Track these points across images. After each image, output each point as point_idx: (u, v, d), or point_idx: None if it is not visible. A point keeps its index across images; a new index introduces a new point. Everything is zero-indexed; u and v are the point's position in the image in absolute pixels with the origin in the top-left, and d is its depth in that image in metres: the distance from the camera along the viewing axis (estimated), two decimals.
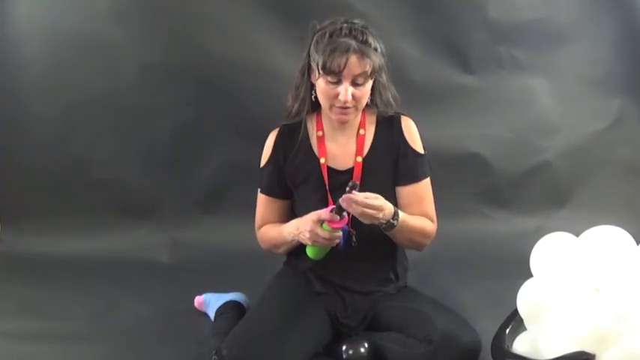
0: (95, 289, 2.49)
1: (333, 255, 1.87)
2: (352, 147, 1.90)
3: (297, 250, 1.91)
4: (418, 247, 1.90)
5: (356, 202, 1.67)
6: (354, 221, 1.81)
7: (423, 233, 1.87)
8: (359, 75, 1.75)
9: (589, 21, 2.90)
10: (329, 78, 1.76)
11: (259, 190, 1.99)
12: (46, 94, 2.85)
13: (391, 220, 1.75)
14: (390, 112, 1.91)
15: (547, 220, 2.87)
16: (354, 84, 1.76)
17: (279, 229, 1.92)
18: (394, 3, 2.81)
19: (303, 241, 1.79)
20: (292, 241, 1.86)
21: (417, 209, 1.87)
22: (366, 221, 1.73)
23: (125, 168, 2.89)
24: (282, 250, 1.96)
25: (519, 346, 1.74)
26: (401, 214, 1.78)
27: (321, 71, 1.76)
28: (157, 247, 2.82)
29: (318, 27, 1.81)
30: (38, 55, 2.82)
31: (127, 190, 2.90)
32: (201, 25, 2.79)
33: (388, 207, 1.74)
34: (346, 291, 1.93)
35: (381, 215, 1.72)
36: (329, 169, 1.89)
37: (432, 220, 1.91)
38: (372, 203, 1.69)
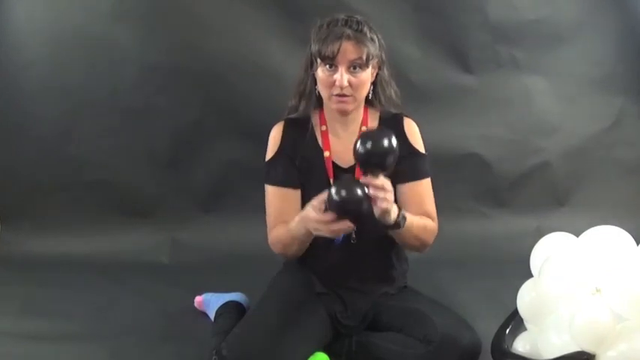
0: (95, 289, 2.49)
1: (334, 255, 1.88)
2: None
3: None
4: (421, 247, 1.88)
5: (375, 186, 1.62)
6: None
7: (426, 232, 1.86)
8: (354, 60, 1.77)
9: (589, 21, 2.89)
10: (325, 65, 1.78)
11: (270, 184, 1.91)
12: (46, 95, 2.84)
13: (398, 219, 1.72)
14: (394, 111, 1.92)
15: (546, 220, 2.87)
16: (351, 70, 1.77)
17: (287, 227, 1.82)
18: (394, 3, 2.80)
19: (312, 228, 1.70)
20: (301, 234, 1.78)
21: (418, 208, 1.86)
22: (378, 211, 1.67)
23: (125, 168, 2.89)
24: (295, 249, 1.87)
25: (519, 346, 1.74)
26: (406, 213, 1.76)
27: (318, 59, 1.79)
28: (157, 247, 2.82)
29: (319, 22, 1.84)
30: (38, 56, 2.82)
31: (127, 190, 2.90)
32: (201, 25, 2.78)
33: (395, 205, 1.72)
34: (346, 291, 1.93)
35: (391, 207, 1.68)
36: (332, 164, 1.89)
37: (432, 220, 1.90)
38: (388, 188, 1.65)
